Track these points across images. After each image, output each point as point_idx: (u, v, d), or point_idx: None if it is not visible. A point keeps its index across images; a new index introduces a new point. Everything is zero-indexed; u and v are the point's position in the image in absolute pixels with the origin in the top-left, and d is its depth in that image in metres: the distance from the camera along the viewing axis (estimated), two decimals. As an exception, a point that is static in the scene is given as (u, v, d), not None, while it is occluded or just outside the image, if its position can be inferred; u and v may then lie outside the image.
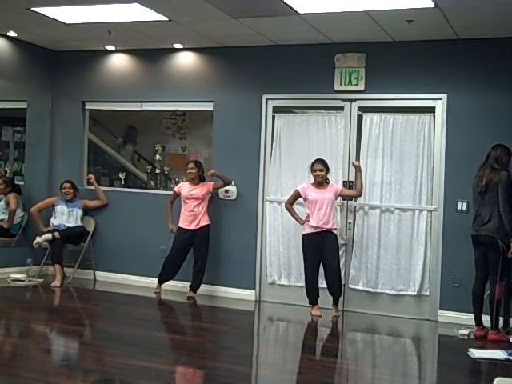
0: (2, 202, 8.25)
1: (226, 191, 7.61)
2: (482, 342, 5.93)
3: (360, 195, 6.97)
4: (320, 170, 6.82)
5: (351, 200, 7.20)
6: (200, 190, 7.40)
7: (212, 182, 7.49)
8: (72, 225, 8.03)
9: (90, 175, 8.32)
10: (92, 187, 8.28)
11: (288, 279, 7.44)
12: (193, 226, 7.35)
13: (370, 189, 7.15)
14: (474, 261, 6.20)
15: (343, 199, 7.19)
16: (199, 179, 7.50)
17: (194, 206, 7.35)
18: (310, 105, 7.53)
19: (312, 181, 6.93)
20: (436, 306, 6.88)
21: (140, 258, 8.02)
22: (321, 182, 6.86)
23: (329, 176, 6.95)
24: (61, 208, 8.07)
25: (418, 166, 6.98)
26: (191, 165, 7.47)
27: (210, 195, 7.49)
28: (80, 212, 8.11)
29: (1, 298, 7.14)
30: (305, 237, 6.84)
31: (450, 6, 5.81)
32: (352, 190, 7.04)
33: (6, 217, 8.23)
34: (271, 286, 7.54)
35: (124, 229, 8.17)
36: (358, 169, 6.95)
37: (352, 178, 7.16)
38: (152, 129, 9.43)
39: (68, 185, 8.13)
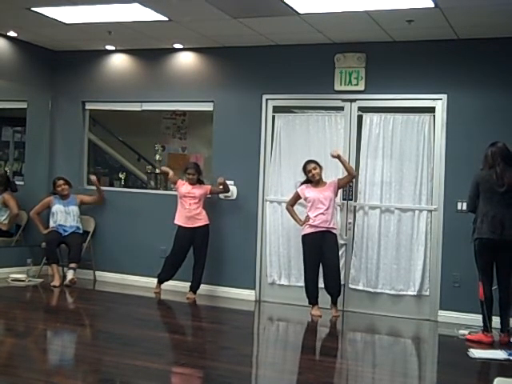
0: None
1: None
2: (487, 346, 5.83)
3: (353, 175, 6.90)
4: (314, 169, 6.83)
5: (351, 200, 7.21)
6: (199, 190, 7.40)
7: (210, 186, 7.49)
8: (70, 224, 7.97)
9: (93, 176, 8.20)
10: (93, 187, 8.24)
11: (288, 279, 7.44)
12: (190, 224, 7.34)
13: (370, 189, 7.16)
14: (482, 265, 5.93)
15: (343, 199, 7.19)
16: (198, 182, 7.51)
17: (190, 204, 7.34)
18: (310, 105, 7.52)
19: (310, 181, 6.94)
20: (436, 306, 6.88)
21: (140, 257, 8.03)
22: (318, 181, 6.86)
23: (328, 176, 6.95)
24: (57, 207, 8.00)
25: (418, 166, 6.98)
26: (191, 170, 7.43)
27: (206, 197, 7.47)
28: (76, 209, 8.04)
29: (1, 298, 7.13)
30: (305, 237, 6.84)
31: (450, 6, 5.81)
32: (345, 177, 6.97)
33: (1, 217, 8.20)
34: (271, 286, 7.54)
35: (124, 229, 8.17)
36: (338, 158, 6.85)
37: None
38: (152, 129, 9.45)
39: (62, 181, 8.06)
